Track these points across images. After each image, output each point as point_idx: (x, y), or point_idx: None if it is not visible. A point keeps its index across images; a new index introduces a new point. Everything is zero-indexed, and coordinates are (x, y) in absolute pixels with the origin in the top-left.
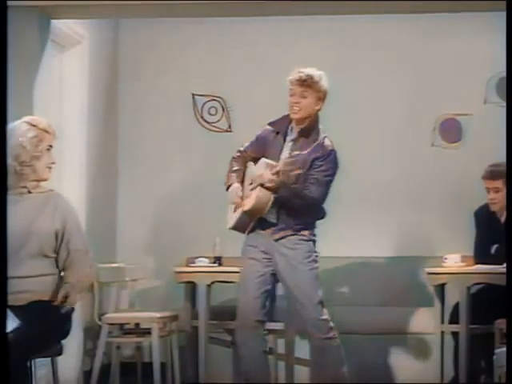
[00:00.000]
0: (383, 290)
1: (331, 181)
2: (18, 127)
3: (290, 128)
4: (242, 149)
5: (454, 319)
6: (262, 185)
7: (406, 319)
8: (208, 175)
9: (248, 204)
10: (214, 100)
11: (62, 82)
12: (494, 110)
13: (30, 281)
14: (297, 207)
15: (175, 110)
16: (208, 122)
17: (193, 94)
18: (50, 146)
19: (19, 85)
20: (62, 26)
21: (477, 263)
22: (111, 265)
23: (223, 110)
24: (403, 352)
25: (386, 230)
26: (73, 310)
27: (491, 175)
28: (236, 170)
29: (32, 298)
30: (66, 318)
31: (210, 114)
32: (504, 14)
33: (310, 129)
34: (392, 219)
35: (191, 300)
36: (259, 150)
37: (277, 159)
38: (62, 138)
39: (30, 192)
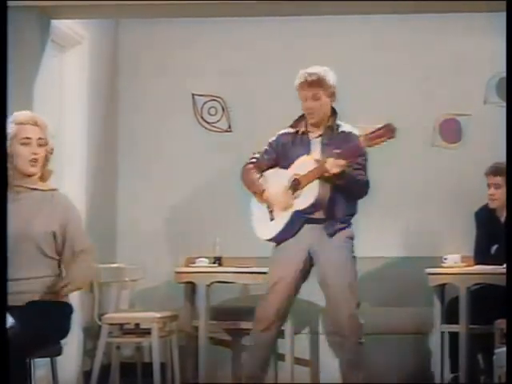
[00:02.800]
0: (383, 290)
1: (367, 160)
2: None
3: (309, 126)
4: (255, 160)
5: (449, 318)
6: (320, 178)
7: (406, 319)
8: (208, 175)
9: (306, 201)
10: (213, 100)
11: (62, 81)
12: (493, 110)
13: (31, 281)
14: (352, 195)
15: (175, 109)
16: (208, 122)
17: (193, 94)
18: (27, 139)
19: (19, 85)
20: (62, 26)
21: (477, 263)
22: (111, 265)
23: (223, 110)
24: (403, 352)
25: (385, 230)
26: (72, 309)
27: (494, 171)
28: (259, 178)
29: (31, 298)
30: (66, 318)
31: (210, 114)
32: (504, 14)
33: (331, 123)
34: (392, 219)
35: (191, 300)
36: (277, 157)
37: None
38: (62, 137)
39: (29, 189)
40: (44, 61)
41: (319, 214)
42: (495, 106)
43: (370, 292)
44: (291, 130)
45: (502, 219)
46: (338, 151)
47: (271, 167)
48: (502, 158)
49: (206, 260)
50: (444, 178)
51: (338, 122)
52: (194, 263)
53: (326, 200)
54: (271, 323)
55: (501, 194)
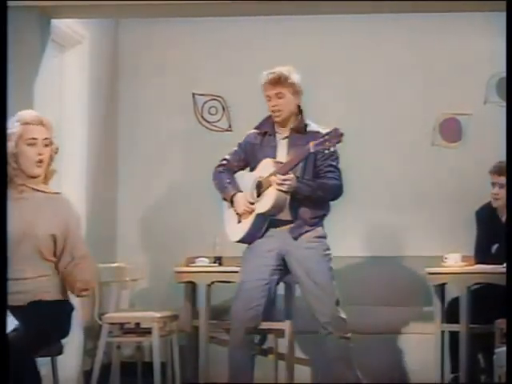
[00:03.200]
0: (383, 290)
1: (339, 162)
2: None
3: (276, 127)
4: (225, 162)
5: (449, 318)
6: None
7: (406, 319)
8: (208, 175)
9: (266, 205)
10: (214, 99)
11: (62, 81)
12: (494, 110)
13: (31, 281)
14: (318, 199)
15: (175, 109)
16: (208, 122)
17: (193, 94)
18: (34, 139)
19: (19, 85)
20: (62, 25)
21: (477, 263)
22: (111, 265)
23: (223, 109)
24: (403, 352)
25: (385, 230)
26: (72, 309)
27: (498, 170)
28: (230, 182)
29: (31, 298)
30: (66, 318)
31: (211, 114)
32: (504, 14)
33: (298, 123)
34: (392, 219)
35: (191, 300)
36: (246, 158)
37: (272, 158)
38: (62, 137)
39: (33, 190)
40: (44, 61)
41: (285, 215)
42: (495, 105)
43: (369, 292)
44: (258, 131)
45: (503, 219)
46: (280, 166)
47: (242, 168)
48: (502, 157)
49: (207, 260)
50: (444, 177)
51: (307, 121)
52: (194, 263)
53: (284, 204)
54: (245, 321)
55: (504, 193)
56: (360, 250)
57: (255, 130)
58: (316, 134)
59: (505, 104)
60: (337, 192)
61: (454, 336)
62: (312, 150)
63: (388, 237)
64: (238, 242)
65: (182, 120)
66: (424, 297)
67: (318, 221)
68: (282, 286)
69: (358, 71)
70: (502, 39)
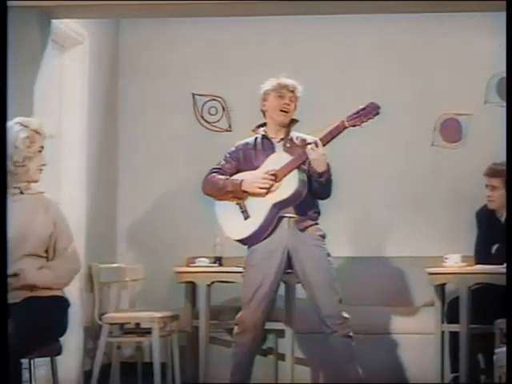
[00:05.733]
0: (383, 290)
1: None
2: (11, 128)
3: (269, 132)
4: (216, 170)
5: (449, 318)
6: (298, 168)
7: (405, 319)
8: None
9: (286, 192)
10: (214, 100)
11: (62, 81)
12: (493, 110)
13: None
14: (320, 193)
15: (175, 109)
16: (208, 122)
17: (193, 94)
18: (42, 148)
19: (19, 85)
20: (62, 25)
21: (477, 263)
22: (111, 265)
23: (223, 109)
24: (403, 352)
25: (385, 230)
26: (69, 304)
27: (490, 172)
28: (227, 178)
29: (28, 294)
30: (62, 314)
31: (211, 114)
32: (504, 14)
33: (289, 130)
34: (392, 219)
35: (191, 300)
36: (239, 165)
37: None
38: (62, 137)
39: (21, 193)
40: (44, 61)
41: (290, 212)
42: (495, 105)
43: (369, 292)
44: (250, 140)
45: (503, 219)
46: (316, 139)
47: (232, 175)
48: (502, 157)
49: (207, 260)
50: (444, 177)
51: (295, 132)
52: (194, 263)
53: (304, 190)
54: (256, 329)
55: (498, 195)
56: (360, 250)
57: (246, 140)
58: (305, 141)
59: (505, 104)
60: (331, 189)
61: (454, 336)
62: (347, 125)
63: (388, 237)
64: (242, 240)
65: (182, 120)
66: (424, 297)
67: (317, 216)
68: (281, 286)
69: (358, 71)
70: (502, 39)
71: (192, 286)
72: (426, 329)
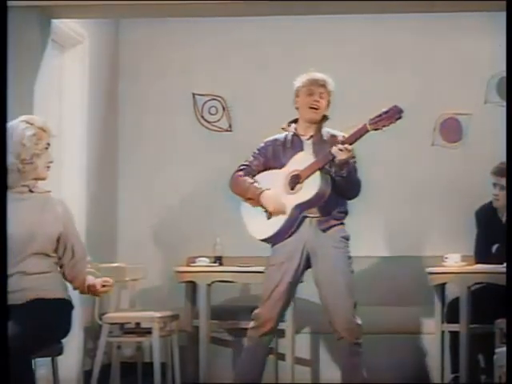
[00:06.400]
0: (383, 290)
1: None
2: (16, 126)
3: (299, 129)
4: (244, 166)
5: (449, 317)
6: (321, 169)
7: (406, 319)
8: (208, 175)
9: (308, 193)
10: (214, 99)
11: (62, 81)
12: (494, 110)
13: (33, 278)
14: (347, 193)
15: (175, 109)
16: (208, 122)
17: (193, 94)
18: (48, 145)
19: (19, 85)
20: (62, 25)
21: (477, 263)
22: (111, 265)
23: (223, 109)
24: (403, 352)
25: (385, 230)
26: (72, 308)
27: (500, 171)
28: (253, 182)
29: (33, 295)
30: (66, 317)
31: (211, 114)
32: (504, 14)
33: (320, 126)
34: (392, 219)
35: (192, 300)
36: (267, 161)
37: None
38: (62, 137)
39: (31, 191)
40: (44, 61)
41: (313, 212)
42: (495, 105)
43: (369, 292)
44: (279, 136)
45: (503, 219)
46: (344, 135)
47: (261, 172)
48: (502, 157)
49: (207, 259)
50: (444, 177)
51: (326, 128)
52: (194, 263)
53: (327, 190)
54: (272, 327)
55: (505, 195)
56: (359, 250)
57: (276, 136)
58: (337, 138)
59: (505, 104)
60: (359, 188)
61: (454, 336)
62: (369, 129)
63: (388, 237)
64: (264, 240)
65: (182, 120)
66: (424, 297)
67: (343, 216)
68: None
69: (358, 71)
70: (502, 39)
71: (192, 286)
72: (426, 329)
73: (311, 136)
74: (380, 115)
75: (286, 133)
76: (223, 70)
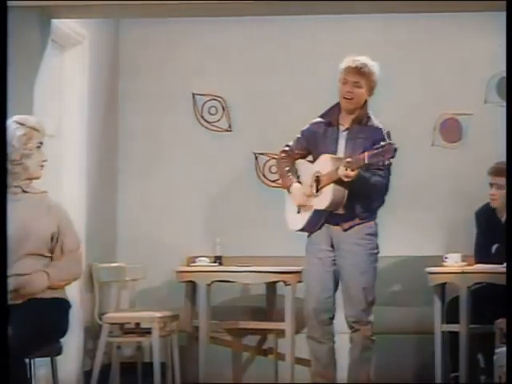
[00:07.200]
0: (383, 290)
1: (391, 163)
2: (8, 126)
3: (340, 117)
4: (287, 148)
5: (449, 317)
6: (335, 181)
7: (406, 319)
8: (208, 175)
9: (324, 202)
10: (214, 99)
11: (62, 81)
12: (494, 110)
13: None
14: (367, 195)
15: (175, 109)
16: (208, 122)
17: (193, 94)
18: (41, 144)
19: (19, 85)
20: (63, 25)
21: (477, 263)
22: (111, 265)
23: (223, 109)
24: (403, 352)
25: (385, 230)
26: (70, 306)
27: (495, 171)
28: (289, 170)
29: (29, 295)
30: (64, 316)
31: (211, 114)
32: (504, 14)
33: (361, 116)
34: (392, 219)
35: (192, 300)
36: (308, 146)
37: (333, 151)
38: (62, 137)
39: (24, 191)
40: (44, 61)
41: (340, 210)
42: (495, 105)
43: None
44: (323, 120)
45: (503, 219)
46: (348, 160)
47: (303, 156)
48: (502, 157)
49: (207, 259)
50: (444, 177)
51: (370, 113)
52: (194, 262)
53: (341, 201)
54: (321, 315)
55: (502, 194)
56: None
57: (319, 119)
58: (376, 131)
59: (505, 104)
60: (382, 192)
61: (454, 336)
62: (366, 161)
63: (388, 237)
64: (299, 231)
65: (181, 120)
66: (424, 297)
67: (369, 214)
68: (281, 285)
69: None
70: (502, 39)
71: (192, 286)
72: (426, 329)
73: (347, 128)
74: (377, 148)
75: (330, 119)
76: (223, 70)
